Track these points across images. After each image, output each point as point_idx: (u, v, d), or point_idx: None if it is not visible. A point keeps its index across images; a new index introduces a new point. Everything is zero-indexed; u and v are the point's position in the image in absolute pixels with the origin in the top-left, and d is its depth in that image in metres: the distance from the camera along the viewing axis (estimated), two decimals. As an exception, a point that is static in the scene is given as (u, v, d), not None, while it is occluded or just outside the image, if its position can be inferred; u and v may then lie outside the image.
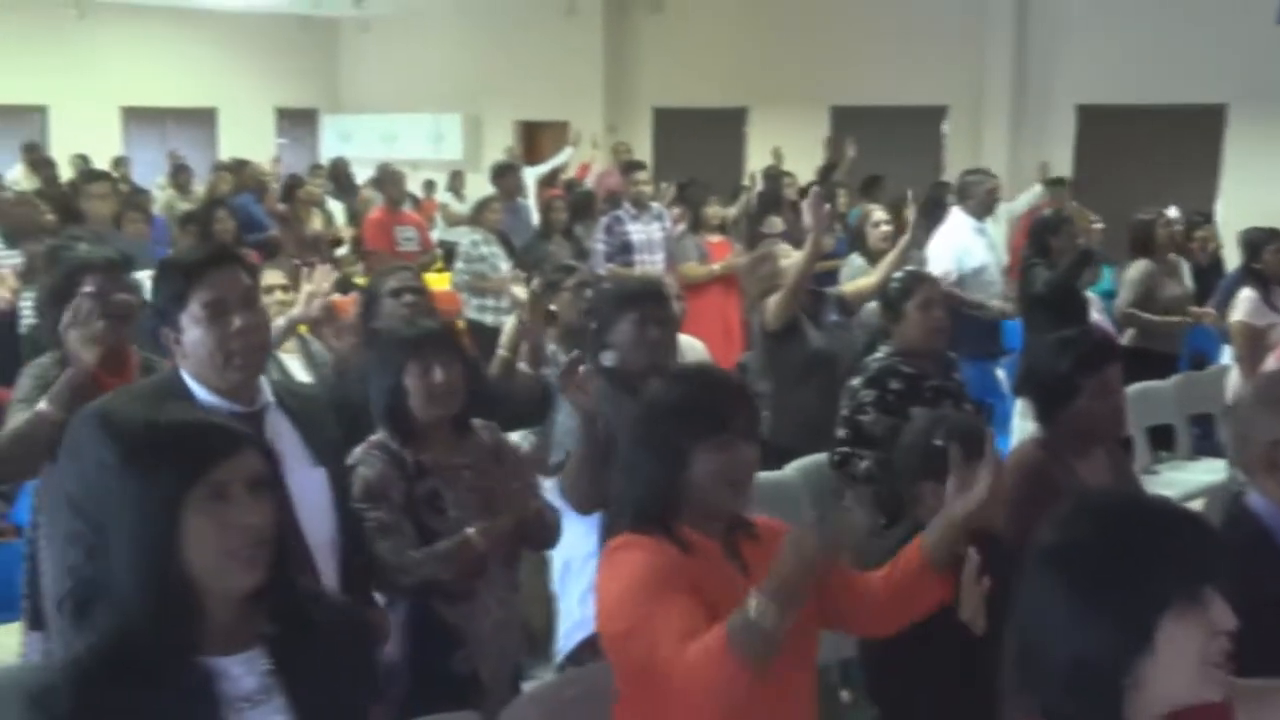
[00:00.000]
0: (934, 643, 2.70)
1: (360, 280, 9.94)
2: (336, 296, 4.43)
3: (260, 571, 1.82)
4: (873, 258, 6.72)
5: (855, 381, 4.38)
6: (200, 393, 2.54)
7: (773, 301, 5.09)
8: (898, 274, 4.79)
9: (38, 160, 12.34)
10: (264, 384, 2.66)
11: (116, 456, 1.87)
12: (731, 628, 2.06)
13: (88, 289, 3.34)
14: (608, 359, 3.79)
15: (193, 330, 2.53)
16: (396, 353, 3.18)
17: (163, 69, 17.13)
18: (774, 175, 10.47)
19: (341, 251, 10.37)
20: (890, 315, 4.48)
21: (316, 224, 9.33)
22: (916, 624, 2.51)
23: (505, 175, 10.05)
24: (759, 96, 14.92)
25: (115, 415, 2.44)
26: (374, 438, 3.17)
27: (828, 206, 5.40)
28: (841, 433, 4.33)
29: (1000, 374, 6.93)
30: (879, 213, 7.26)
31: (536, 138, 16.90)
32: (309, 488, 2.65)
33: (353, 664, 2.01)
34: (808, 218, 5.03)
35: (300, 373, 4.80)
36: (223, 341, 2.52)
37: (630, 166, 8.67)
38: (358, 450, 3.14)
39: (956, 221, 7.43)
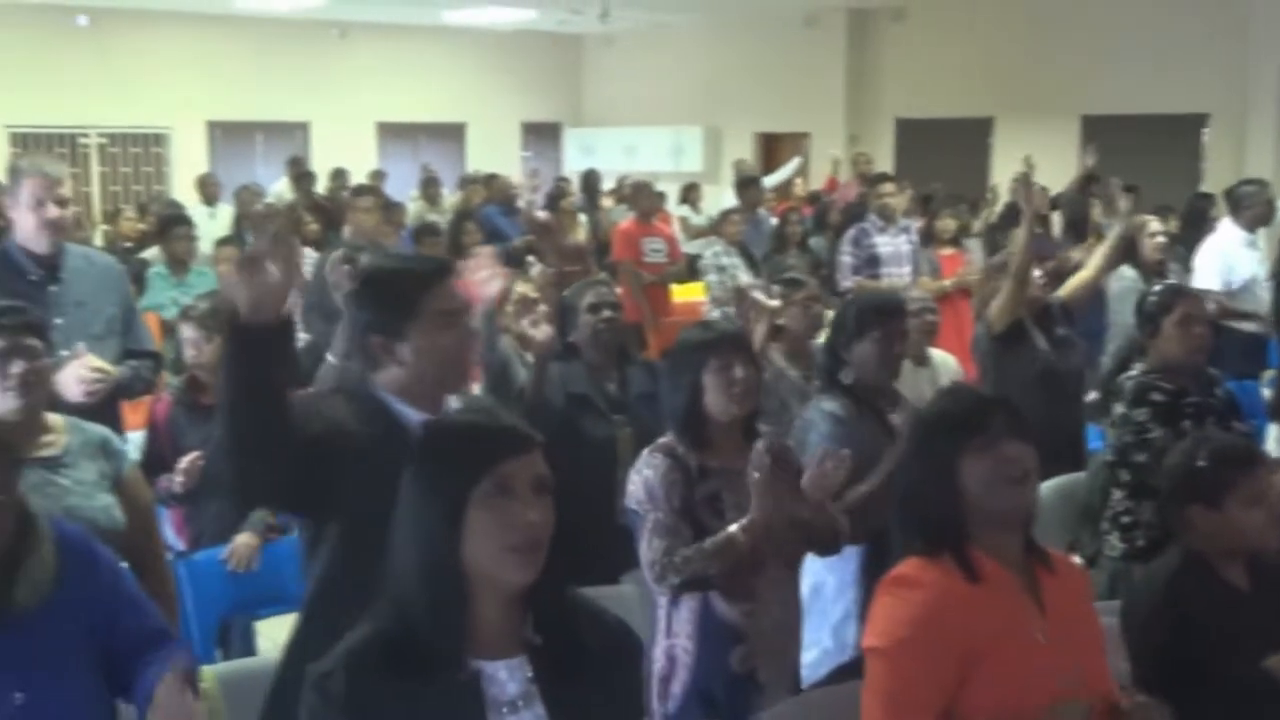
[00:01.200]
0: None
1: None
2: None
3: (535, 571, 1.86)
4: (1146, 270, 6.51)
5: (1120, 407, 4.22)
6: (391, 400, 2.56)
7: (996, 302, 4.98)
8: (1156, 288, 4.61)
9: (301, 174, 12.96)
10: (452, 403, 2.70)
11: (417, 453, 1.95)
12: None
13: None
14: (846, 376, 3.77)
15: (420, 339, 2.55)
16: (696, 353, 3.23)
17: (416, 86, 17.76)
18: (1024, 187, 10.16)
19: (584, 262, 10.54)
20: (1147, 331, 4.32)
21: (579, 235, 9.50)
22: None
23: (748, 187, 10.08)
24: (1005, 106, 14.56)
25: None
26: (662, 440, 3.25)
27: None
28: (1140, 458, 4.15)
29: (1265, 393, 6.60)
30: (1154, 223, 7.00)
31: (775, 149, 16.89)
32: None
33: (617, 682, 2.01)
34: (1020, 199, 4.94)
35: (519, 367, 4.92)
36: (460, 350, 2.59)
37: (877, 179, 8.58)
38: (645, 453, 3.23)
39: (1226, 234, 7.12)
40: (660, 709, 3.18)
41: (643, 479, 3.16)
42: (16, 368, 3.13)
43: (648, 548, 3.10)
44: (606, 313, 4.28)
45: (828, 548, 3.38)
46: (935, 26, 15.01)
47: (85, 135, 15.62)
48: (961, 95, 14.70)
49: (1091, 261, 5.53)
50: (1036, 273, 4.99)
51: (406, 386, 2.56)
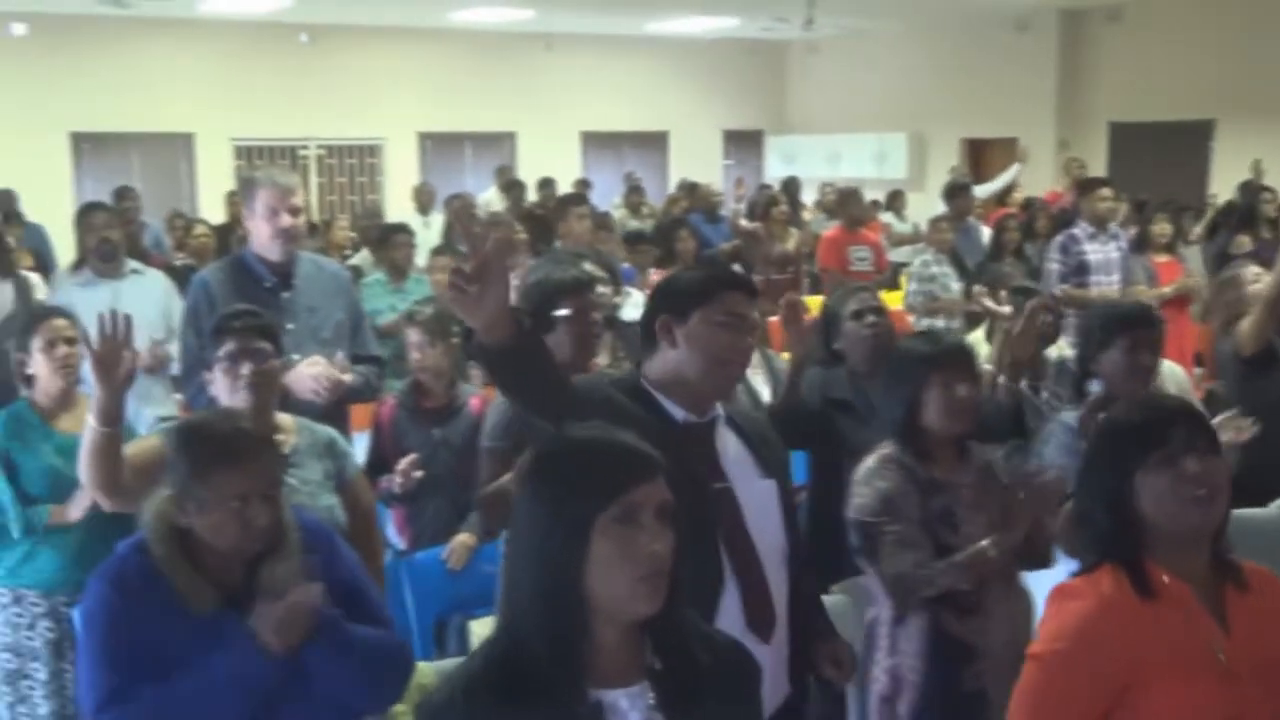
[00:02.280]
0: None
1: (805, 298, 10.08)
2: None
3: (660, 600, 1.79)
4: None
5: None
6: (659, 396, 2.64)
7: (1245, 325, 4.76)
8: None
9: (510, 183, 13.22)
10: (718, 406, 2.73)
11: (531, 473, 1.88)
12: None
13: (565, 312, 3.64)
14: (1095, 387, 3.66)
15: (707, 332, 2.62)
16: (919, 366, 3.18)
17: (619, 95, 17.95)
18: (1252, 190, 9.76)
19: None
20: None
21: (790, 243, 9.47)
22: None
23: (958, 195, 9.90)
24: (1228, 108, 13.96)
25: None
26: (884, 451, 3.20)
27: None
28: None
29: None
30: None
31: (983, 155, 16.56)
32: (759, 498, 2.69)
33: (737, 705, 1.95)
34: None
35: (761, 387, 4.91)
36: (733, 352, 2.62)
37: (1091, 184, 8.32)
38: (869, 462, 3.18)
39: None
40: None
41: (875, 490, 3.11)
42: (246, 369, 3.28)
43: (892, 561, 3.05)
44: (871, 319, 4.21)
45: (1039, 564, 3.29)
46: (1154, 26, 14.49)
47: (304, 147, 16.23)
48: (1181, 97, 14.15)
49: None
50: None
51: (674, 378, 2.63)
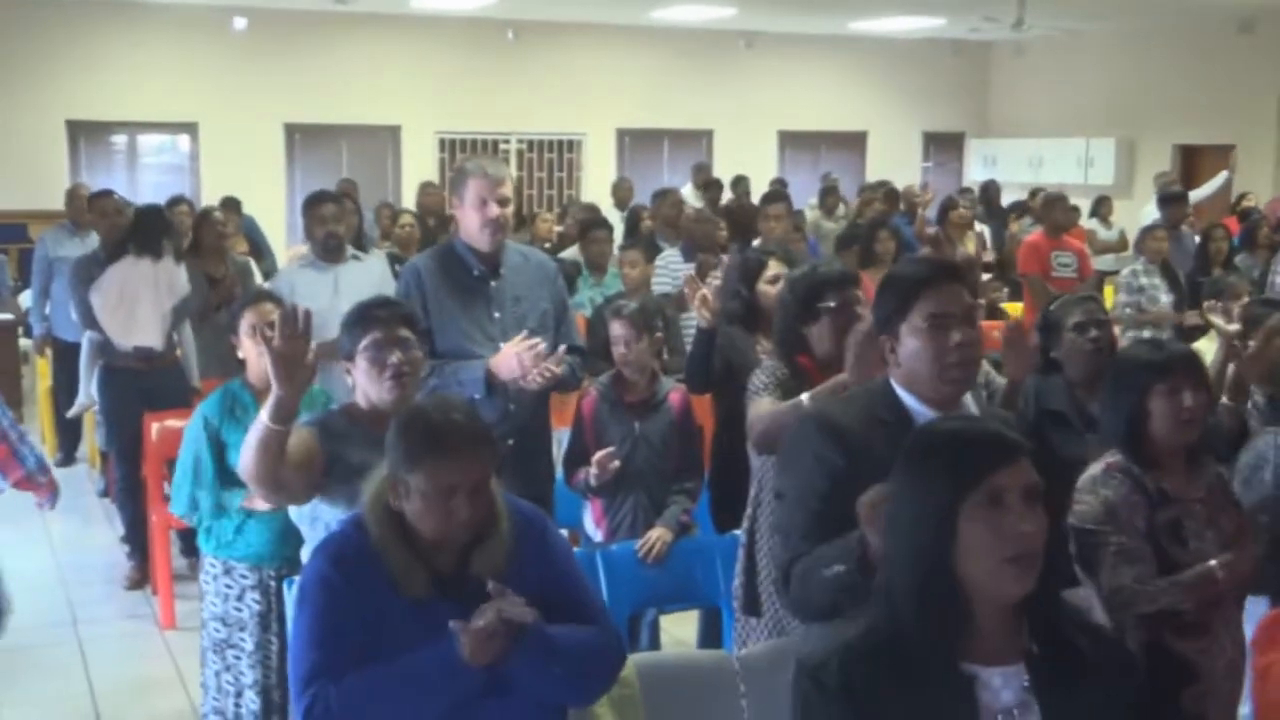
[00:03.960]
0: None
1: (1006, 305, 9.86)
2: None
3: (1031, 582, 1.84)
4: None
5: None
6: (909, 401, 2.58)
7: None
8: None
9: (707, 181, 13.23)
10: (968, 400, 2.66)
11: (902, 462, 1.95)
12: None
13: (830, 304, 3.74)
14: None
15: (910, 341, 2.57)
16: (1143, 374, 3.09)
17: (817, 94, 17.80)
18: None
19: (986, 277, 10.29)
20: None
21: (970, 247, 9.30)
22: None
23: (1173, 203, 9.55)
24: None
25: (832, 416, 2.61)
26: (1110, 459, 3.11)
27: None
28: None
29: None
30: None
31: (1196, 162, 15.94)
32: None
33: (1112, 696, 1.96)
34: None
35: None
36: (940, 354, 2.54)
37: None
38: (1094, 470, 3.10)
39: None
40: None
41: (1101, 499, 3.03)
42: (394, 358, 3.25)
43: (1112, 573, 2.96)
44: (1094, 331, 4.10)
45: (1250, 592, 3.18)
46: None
47: (506, 141, 16.50)
48: None
49: None
50: None
51: (915, 386, 2.59)
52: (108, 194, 7.90)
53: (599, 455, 4.33)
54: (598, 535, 4.56)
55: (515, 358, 3.97)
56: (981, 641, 1.88)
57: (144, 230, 6.83)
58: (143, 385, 6.59)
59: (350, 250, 6.15)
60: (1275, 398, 4.28)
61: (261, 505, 3.86)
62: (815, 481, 2.51)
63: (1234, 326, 4.22)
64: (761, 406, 3.70)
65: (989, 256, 11.38)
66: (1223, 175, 12.39)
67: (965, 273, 2.70)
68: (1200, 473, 3.10)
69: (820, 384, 3.54)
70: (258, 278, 7.87)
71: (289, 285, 5.73)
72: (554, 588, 2.61)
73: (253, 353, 4.22)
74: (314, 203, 6.19)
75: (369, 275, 5.98)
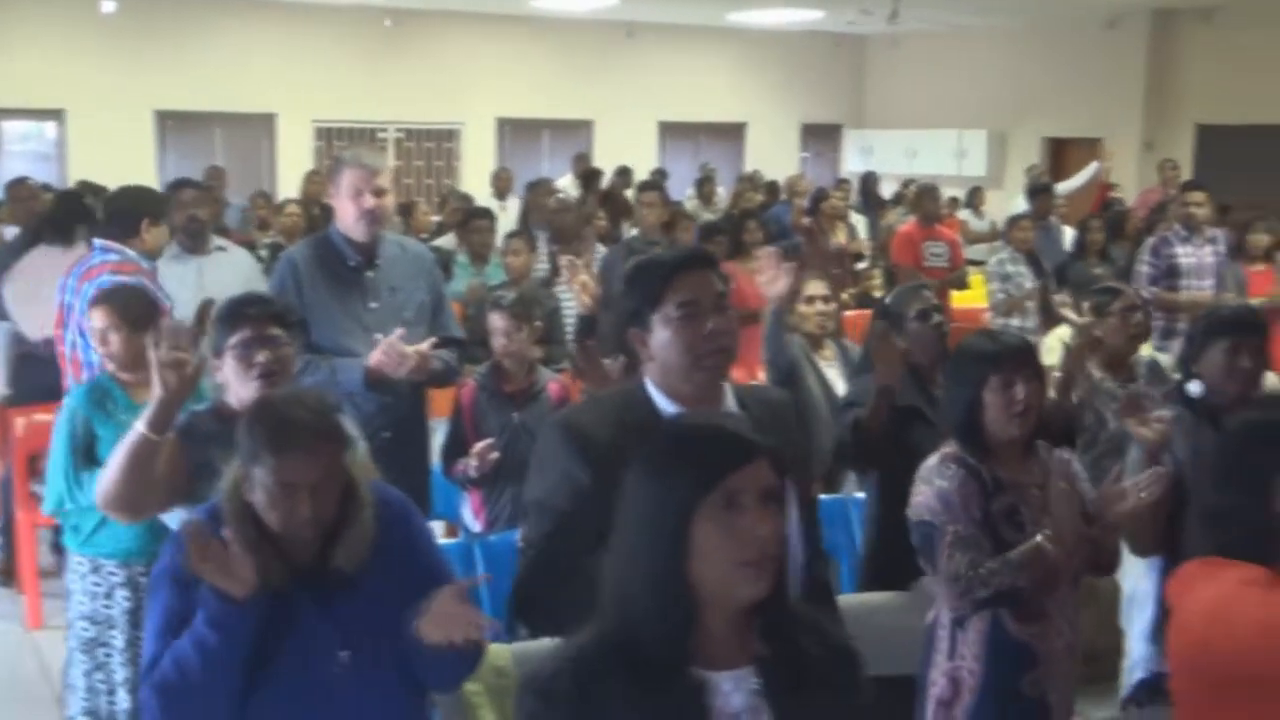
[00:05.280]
0: None
1: (879, 294, 10.03)
2: None
3: (766, 584, 1.78)
4: None
5: None
6: (660, 400, 2.48)
7: None
8: None
9: (586, 171, 13.24)
10: (727, 390, 2.56)
11: (636, 465, 1.87)
12: None
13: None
14: (1194, 388, 3.60)
15: (662, 331, 2.46)
16: (978, 366, 3.13)
17: (698, 85, 17.91)
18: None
19: (861, 265, 10.46)
20: None
21: (840, 237, 9.45)
22: None
23: (1039, 194, 9.79)
24: (1320, 112, 13.68)
25: (580, 426, 2.48)
26: (947, 449, 3.15)
27: None
28: None
29: None
30: None
31: (1064, 155, 16.35)
32: None
33: (841, 697, 1.93)
34: None
35: (837, 380, 4.88)
36: (693, 343, 2.44)
37: (1185, 186, 8.20)
38: (931, 461, 3.14)
39: None
40: None
41: (936, 490, 3.06)
42: (262, 356, 3.18)
43: (949, 561, 3.00)
44: (935, 318, 4.17)
45: (1106, 569, 3.26)
46: (1247, 26, 14.21)
47: (384, 130, 16.34)
48: (1272, 100, 13.87)
49: None
50: None
51: (666, 381, 2.48)
52: (21, 181, 7.70)
53: (478, 446, 4.33)
54: (476, 526, 4.55)
55: (390, 354, 3.95)
56: (711, 646, 1.82)
57: (58, 217, 6.60)
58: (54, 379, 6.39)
59: (215, 241, 6.05)
60: (1123, 382, 4.41)
61: None
62: (558, 500, 2.44)
63: (1085, 319, 4.34)
64: None
65: (865, 246, 11.55)
66: (1093, 166, 12.72)
67: (714, 259, 2.60)
68: (1036, 460, 3.15)
69: None
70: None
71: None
72: (418, 576, 2.59)
73: (114, 346, 4.11)
74: (174, 188, 6.08)
75: (235, 269, 5.87)
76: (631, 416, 2.42)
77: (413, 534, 2.69)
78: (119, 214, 5.11)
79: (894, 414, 3.90)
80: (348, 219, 4.23)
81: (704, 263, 2.54)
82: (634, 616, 1.80)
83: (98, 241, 5.03)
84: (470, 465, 4.35)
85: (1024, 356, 3.17)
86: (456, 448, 4.48)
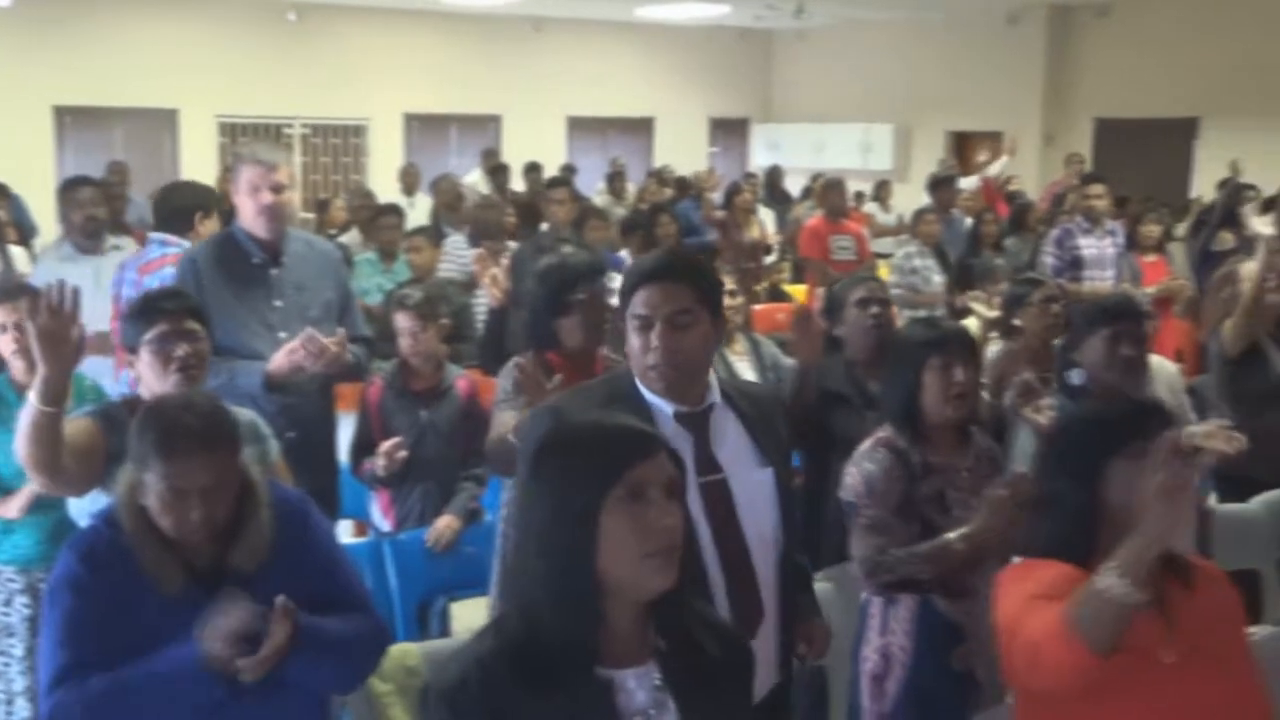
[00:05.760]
0: None
1: (787, 287, 10.11)
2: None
3: (673, 575, 1.82)
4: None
5: None
6: (645, 392, 2.57)
7: (1228, 325, 4.80)
8: None
9: (494, 166, 13.19)
10: (713, 383, 2.64)
11: (531, 460, 1.89)
12: (1071, 602, 1.93)
13: (580, 296, 3.63)
14: (1075, 377, 3.68)
15: (630, 335, 2.58)
16: (919, 349, 3.19)
17: (606, 80, 17.93)
18: (1235, 188, 9.83)
19: (770, 259, 10.53)
20: None
21: (755, 232, 9.52)
22: None
23: (941, 187, 9.92)
24: (1213, 106, 14.02)
25: (566, 413, 2.53)
26: (880, 434, 3.21)
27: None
28: None
29: None
30: None
31: (968, 148, 16.59)
32: (755, 488, 2.63)
33: (735, 688, 1.99)
34: (1253, 224, 4.74)
35: (748, 373, 4.91)
36: (642, 352, 2.54)
37: (1085, 179, 8.37)
38: (865, 445, 3.19)
39: None
40: (874, 708, 3.15)
41: (863, 473, 3.13)
42: (180, 350, 3.17)
43: (861, 543, 3.07)
44: (875, 308, 4.19)
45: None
46: (1141, 22, 14.53)
47: (289, 126, 16.15)
48: (1166, 95, 14.21)
49: None
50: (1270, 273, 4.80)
51: (642, 378, 2.58)
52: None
53: (386, 445, 4.29)
54: (385, 524, 4.52)
55: (287, 352, 3.90)
56: (615, 644, 1.84)
57: None
58: None
59: (112, 240, 5.93)
60: (1045, 379, 4.49)
61: (13, 513, 3.78)
62: None
63: (994, 313, 4.42)
64: (503, 423, 3.55)
65: (775, 239, 11.65)
66: (1002, 160, 12.93)
67: (695, 269, 2.64)
68: (970, 445, 3.22)
69: (571, 379, 3.42)
70: (24, 265, 7.53)
71: (47, 278, 5.47)
72: (317, 576, 2.58)
73: (8, 350, 4.03)
74: (70, 187, 5.96)
75: None
76: (618, 404, 2.50)
77: (312, 533, 2.67)
78: (173, 209, 5.18)
79: (822, 397, 3.96)
80: (248, 216, 4.17)
81: (668, 276, 2.57)
82: (539, 617, 1.80)
83: (154, 235, 5.04)
84: (379, 464, 4.32)
85: (962, 342, 3.25)
86: (364, 447, 4.44)
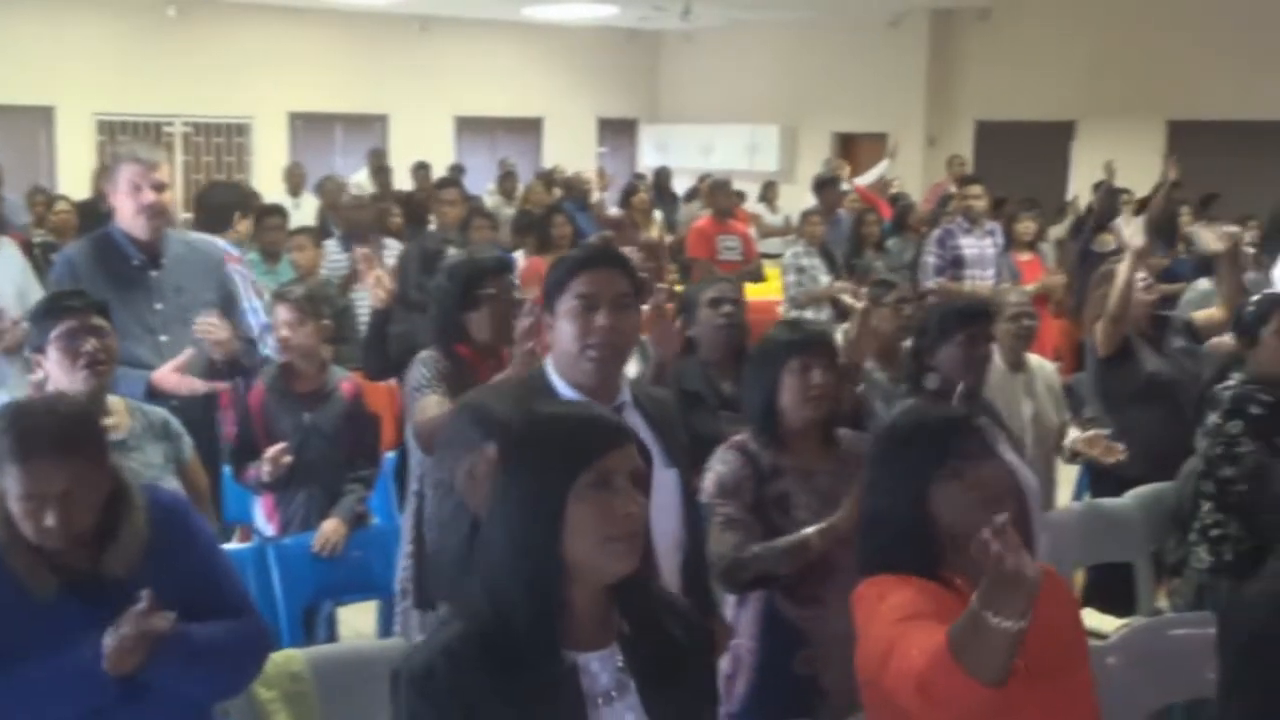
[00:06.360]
0: None
1: (678, 288, 10.14)
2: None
3: (635, 560, 1.89)
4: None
5: (1214, 417, 4.16)
6: (562, 387, 2.62)
7: (1100, 327, 4.94)
8: (1254, 298, 4.55)
9: (379, 166, 13.07)
10: (624, 386, 2.71)
11: (505, 446, 1.98)
12: (953, 633, 1.94)
13: (489, 290, 3.70)
14: (930, 381, 3.75)
15: (561, 322, 2.62)
16: (779, 352, 3.22)
17: (494, 80, 17.85)
18: (1110, 191, 10.10)
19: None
20: (1245, 341, 4.26)
21: (654, 232, 9.53)
22: None
23: (827, 188, 10.04)
24: (1088, 110, 14.38)
25: (484, 406, 2.59)
26: (736, 437, 3.24)
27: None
28: (1227, 472, 4.10)
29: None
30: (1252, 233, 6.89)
31: (853, 150, 16.81)
32: (661, 487, 2.59)
33: (698, 670, 2.06)
34: (1125, 234, 4.89)
35: (632, 372, 4.93)
36: (583, 334, 2.58)
37: (964, 180, 8.54)
38: (720, 449, 3.22)
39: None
40: (724, 708, 3.16)
41: (715, 474, 3.16)
42: (88, 345, 3.19)
43: (717, 542, 3.07)
44: (728, 308, 4.25)
45: None
46: (1020, 27, 14.85)
47: (170, 124, 15.84)
48: (1044, 98, 14.54)
49: (1220, 297, 5.42)
50: (1140, 275, 4.94)
51: (565, 369, 2.64)
52: None
53: (271, 451, 4.22)
54: (269, 529, 4.46)
55: (177, 377, 3.87)
56: (579, 627, 1.91)
57: None
58: None
59: None
60: (894, 376, 4.58)
61: None
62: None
63: (860, 304, 4.49)
64: (429, 406, 3.59)
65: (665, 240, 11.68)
66: (884, 163, 13.13)
67: (625, 260, 2.74)
68: (834, 448, 3.24)
69: (480, 373, 3.50)
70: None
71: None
72: (196, 580, 2.54)
73: None
74: None
75: (4, 266, 5.62)
76: (531, 400, 2.50)
77: (190, 536, 2.62)
78: (213, 208, 5.28)
79: (680, 398, 3.97)
80: (127, 216, 4.11)
81: (609, 261, 2.67)
82: (506, 601, 1.87)
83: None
84: (263, 470, 4.25)
85: (822, 345, 3.29)
86: (247, 451, 4.37)
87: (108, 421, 3.25)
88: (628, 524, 1.87)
